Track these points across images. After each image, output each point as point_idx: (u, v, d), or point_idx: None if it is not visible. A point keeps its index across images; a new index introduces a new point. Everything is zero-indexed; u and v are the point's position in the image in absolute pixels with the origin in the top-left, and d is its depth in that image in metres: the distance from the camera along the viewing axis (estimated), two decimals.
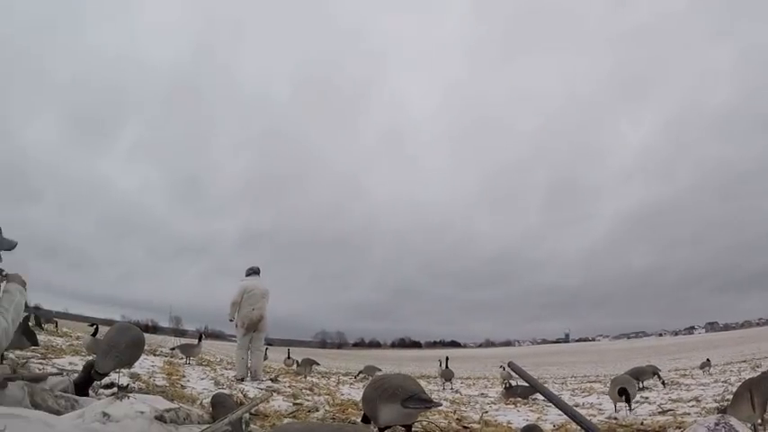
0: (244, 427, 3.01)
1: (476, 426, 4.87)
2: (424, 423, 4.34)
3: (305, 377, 10.80)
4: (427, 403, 2.94)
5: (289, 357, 13.56)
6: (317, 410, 5.05)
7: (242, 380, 7.89)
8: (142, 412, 2.62)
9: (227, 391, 5.71)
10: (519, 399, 7.82)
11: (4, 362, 4.26)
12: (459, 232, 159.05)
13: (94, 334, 8.38)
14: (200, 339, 11.54)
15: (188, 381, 6.84)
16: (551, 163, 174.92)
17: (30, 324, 8.53)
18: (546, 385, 11.92)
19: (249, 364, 8.49)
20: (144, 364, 7.66)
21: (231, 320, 8.74)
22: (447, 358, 11.96)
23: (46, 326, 16.19)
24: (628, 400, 5.54)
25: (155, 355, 11.58)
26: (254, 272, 9.03)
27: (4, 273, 3.04)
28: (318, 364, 12.76)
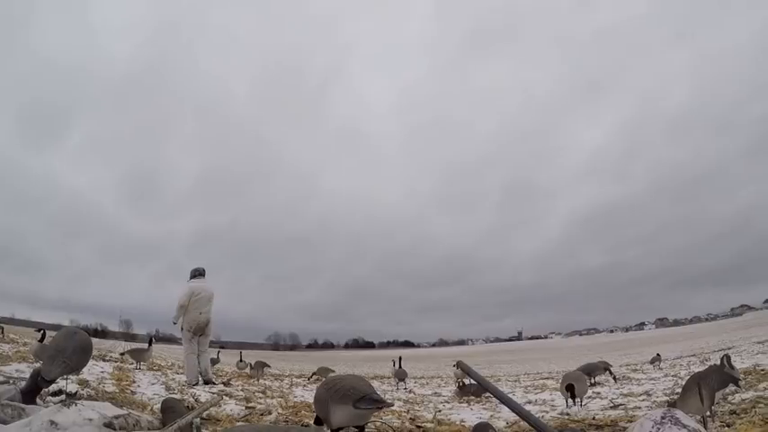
0: (194, 431, 3.02)
1: (429, 425, 4.94)
2: (378, 424, 4.40)
3: (258, 380, 10.75)
4: (379, 403, 2.99)
5: (241, 360, 13.50)
6: (270, 413, 5.05)
7: (195, 384, 7.77)
8: (91, 419, 2.60)
9: (178, 396, 5.65)
10: (472, 397, 7.97)
11: None
12: (414, 232, 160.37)
13: (42, 340, 8.20)
14: (150, 343, 11.21)
15: (138, 386, 6.72)
16: (508, 163, 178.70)
17: None
18: (499, 383, 12.05)
19: (198, 368, 8.32)
20: (93, 370, 7.49)
21: (175, 323, 8.48)
22: (400, 358, 12.03)
23: None
24: (573, 397, 5.76)
25: (104, 360, 11.30)
26: (199, 273, 8.68)
27: None
28: (270, 367, 12.69)
